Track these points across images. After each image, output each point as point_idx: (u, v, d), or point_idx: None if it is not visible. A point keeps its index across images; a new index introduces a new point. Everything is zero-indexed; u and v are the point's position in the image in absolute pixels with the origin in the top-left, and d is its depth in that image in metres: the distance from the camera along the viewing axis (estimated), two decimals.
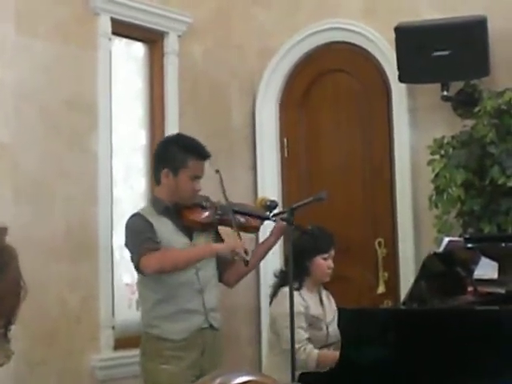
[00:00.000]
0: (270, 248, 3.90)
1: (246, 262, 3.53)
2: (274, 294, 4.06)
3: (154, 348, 3.60)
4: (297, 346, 3.61)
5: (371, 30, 5.15)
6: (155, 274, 3.54)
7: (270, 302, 4.10)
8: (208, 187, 3.77)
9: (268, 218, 3.85)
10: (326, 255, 4.06)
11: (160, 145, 3.87)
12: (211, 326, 3.64)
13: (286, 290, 3.85)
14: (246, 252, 3.50)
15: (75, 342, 4.30)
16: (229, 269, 3.78)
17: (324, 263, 4.06)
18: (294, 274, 3.79)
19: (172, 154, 3.65)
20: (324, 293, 4.18)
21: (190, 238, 3.68)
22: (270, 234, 3.88)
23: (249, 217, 3.81)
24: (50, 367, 4.16)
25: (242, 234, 3.63)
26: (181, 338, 3.56)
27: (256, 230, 3.94)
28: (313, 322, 3.97)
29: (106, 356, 4.42)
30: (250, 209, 3.91)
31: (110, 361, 4.43)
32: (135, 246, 3.56)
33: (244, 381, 1.55)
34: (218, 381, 1.54)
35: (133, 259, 3.58)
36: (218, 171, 3.64)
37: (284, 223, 3.77)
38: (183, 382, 3.51)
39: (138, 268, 3.57)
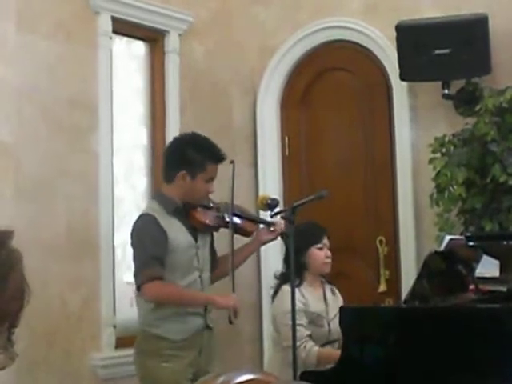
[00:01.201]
0: (248, 255, 3.94)
1: (230, 322, 3.53)
2: (275, 294, 4.07)
3: (154, 347, 3.61)
4: (297, 343, 3.62)
5: (372, 29, 5.15)
6: (152, 302, 3.59)
7: (272, 302, 4.11)
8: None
9: (264, 223, 3.88)
10: (319, 245, 4.06)
11: (176, 145, 3.80)
12: (207, 327, 3.68)
13: (286, 287, 3.88)
14: (235, 313, 3.52)
15: (76, 341, 4.30)
16: (216, 269, 3.82)
17: (320, 253, 4.06)
18: (294, 272, 3.82)
19: (190, 157, 3.63)
20: (328, 288, 4.17)
21: (195, 238, 3.69)
22: (251, 242, 3.91)
23: (247, 221, 3.83)
24: (51, 366, 4.15)
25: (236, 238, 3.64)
26: (181, 339, 3.59)
27: (251, 235, 3.95)
28: (313, 319, 3.97)
29: (107, 355, 4.42)
30: (249, 213, 3.95)
31: (111, 359, 4.43)
32: (141, 265, 3.55)
33: (246, 379, 1.55)
34: (221, 379, 1.54)
35: (135, 276, 3.58)
36: (232, 162, 3.66)
37: (262, 235, 3.86)
38: (184, 380, 3.57)
39: (138, 290, 3.59)
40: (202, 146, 3.67)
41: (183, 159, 3.65)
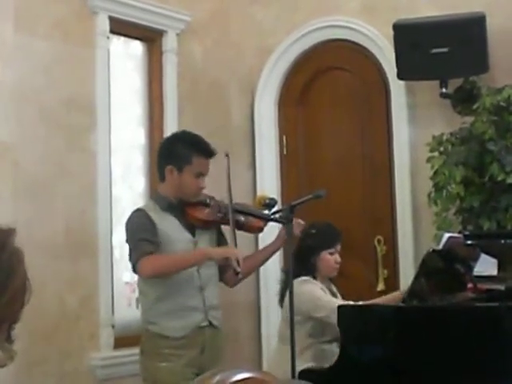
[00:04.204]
0: (272, 253, 3.93)
1: (236, 273, 3.50)
2: (285, 288, 4.05)
3: (153, 346, 3.59)
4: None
5: (370, 28, 5.15)
6: (150, 278, 3.55)
7: (282, 297, 4.07)
8: (210, 186, 3.78)
9: (272, 220, 3.85)
10: (332, 250, 4.08)
11: (165, 141, 3.86)
12: (211, 324, 3.63)
13: (300, 279, 3.94)
14: (238, 262, 3.47)
15: (75, 341, 4.30)
16: (229, 270, 3.71)
17: (331, 258, 4.09)
18: (304, 271, 3.95)
19: (176, 151, 3.65)
20: (333, 287, 4.21)
21: (193, 234, 3.68)
22: (275, 240, 3.89)
23: (252, 217, 3.81)
24: (49, 366, 4.16)
25: (240, 237, 3.63)
26: (180, 336, 3.55)
27: (259, 230, 3.94)
28: None
29: (105, 355, 4.42)
30: (253, 210, 3.90)
31: (109, 359, 4.43)
32: (133, 248, 3.55)
33: (243, 377, 1.54)
34: (217, 378, 1.54)
35: (130, 259, 3.57)
36: (227, 155, 3.66)
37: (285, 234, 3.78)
38: (182, 380, 3.51)
39: (134, 270, 3.57)
40: (189, 141, 3.69)
41: (170, 154, 3.68)
